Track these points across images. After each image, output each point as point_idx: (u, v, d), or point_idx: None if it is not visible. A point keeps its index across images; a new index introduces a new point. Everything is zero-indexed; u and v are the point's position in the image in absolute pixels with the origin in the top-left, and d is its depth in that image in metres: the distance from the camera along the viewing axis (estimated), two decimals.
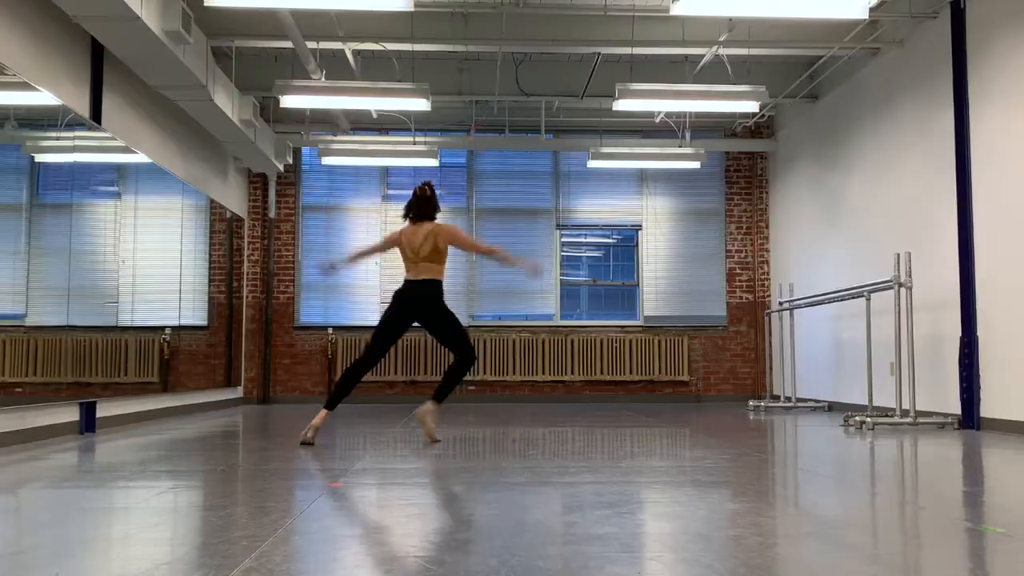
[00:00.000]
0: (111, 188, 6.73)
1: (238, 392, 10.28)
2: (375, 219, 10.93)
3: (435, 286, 5.41)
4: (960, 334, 6.65)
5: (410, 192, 5.84)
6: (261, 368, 10.60)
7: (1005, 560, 2.14)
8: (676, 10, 5.85)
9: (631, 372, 10.82)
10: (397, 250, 5.60)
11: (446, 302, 5.48)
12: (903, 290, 6.84)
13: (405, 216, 5.63)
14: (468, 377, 10.71)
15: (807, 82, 9.57)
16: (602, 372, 10.79)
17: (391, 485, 3.49)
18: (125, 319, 6.91)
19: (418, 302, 5.37)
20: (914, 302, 7.35)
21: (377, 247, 5.73)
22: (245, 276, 10.61)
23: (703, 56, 8.49)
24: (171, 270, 7.99)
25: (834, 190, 9.16)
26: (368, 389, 10.69)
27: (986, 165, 6.45)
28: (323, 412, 5.29)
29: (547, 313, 11.01)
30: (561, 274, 11.11)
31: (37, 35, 5.55)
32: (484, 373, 10.70)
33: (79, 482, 3.58)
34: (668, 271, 11.12)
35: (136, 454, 4.72)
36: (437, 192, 5.79)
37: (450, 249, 5.70)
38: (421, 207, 5.58)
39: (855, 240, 8.65)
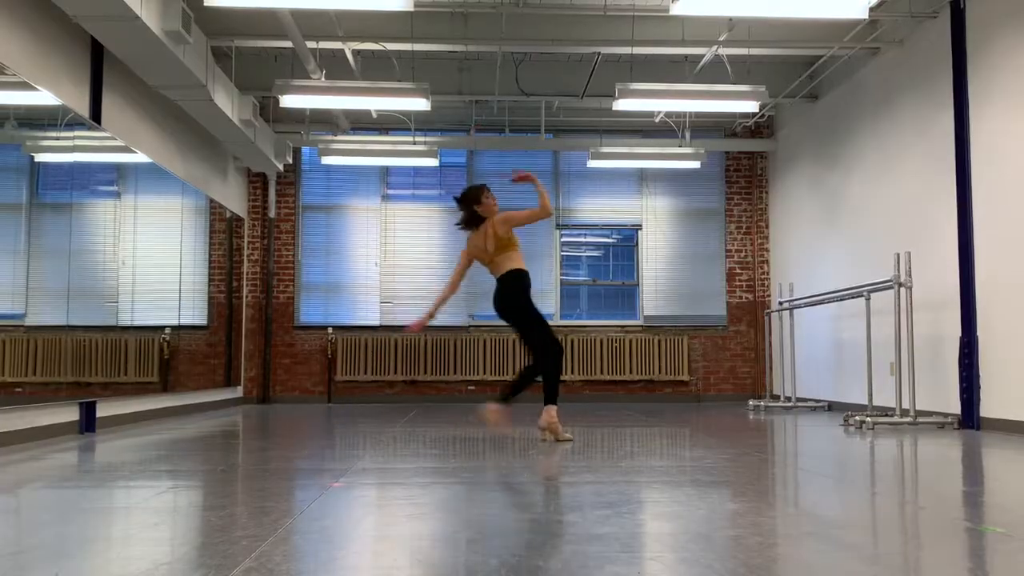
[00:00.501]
0: (111, 188, 6.74)
1: (238, 392, 10.28)
2: (375, 219, 10.93)
3: (512, 279, 5.51)
4: (960, 334, 6.65)
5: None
6: (261, 368, 10.60)
7: (1005, 560, 2.14)
8: (676, 10, 5.85)
9: (631, 372, 10.82)
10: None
11: (529, 294, 5.58)
12: (903, 290, 6.84)
13: (465, 228, 5.80)
14: (466, 378, 10.72)
15: (807, 82, 9.57)
16: (602, 372, 10.79)
17: (391, 485, 3.49)
18: (125, 319, 6.91)
19: (500, 301, 5.54)
20: (914, 302, 7.35)
21: (458, 273, 5.73)
22: (245, 276, 10.61)
23: (703, 56, 8.49)
24: (171, 270, 7.99)
25: (834, 190, 9.16)
26: (367, 389, 10.69)
27: (986, 165, 6.45)
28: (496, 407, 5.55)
29: (547, 313, 11.00)
30: (561, 274, 11.11)
31: (37, 35, 5.55)
32: (484, 373, 10.70)
33: (79, 482, 3.58)
34: (668, 271, 11.12)
35: (136, 454, 4.72)
36: (482, 191, 5.90)
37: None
38: (465, 214, 5.74)
39: (855, 240, 8.65)
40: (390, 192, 10.98)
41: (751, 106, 7.76)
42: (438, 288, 10.90)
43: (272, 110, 10.15)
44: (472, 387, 10.77)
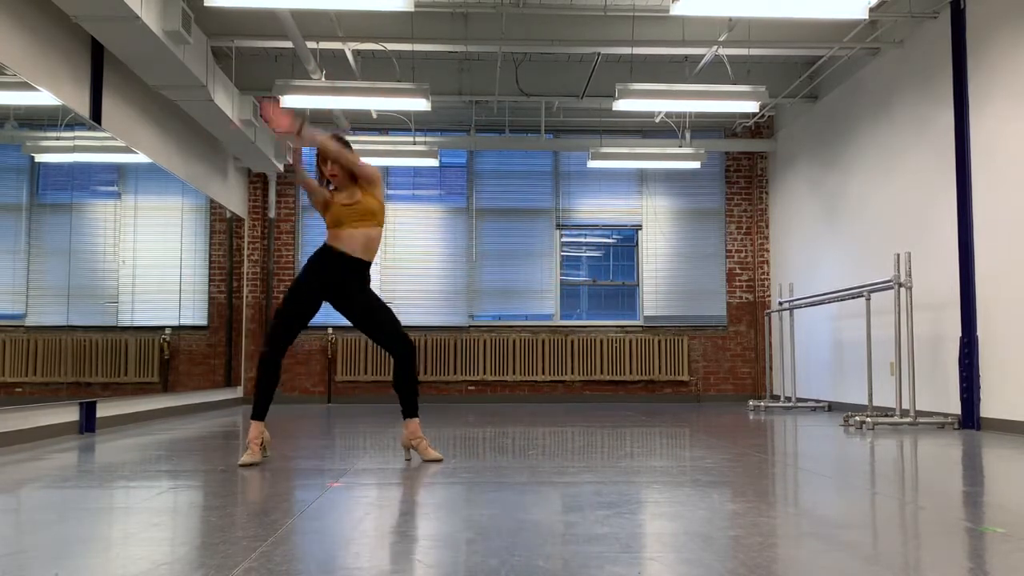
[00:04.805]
0: (111, 188, 6.73)
1: (238, 392, 10.27)
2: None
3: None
4: (960, 334, 6.64)
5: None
6: None
7: (1004, 560, 2.14)
8: (676, 10, 5.85)
9: (631, 372, 10.82)
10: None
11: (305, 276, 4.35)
12: (903, 290, 6.84)
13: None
14: (466, 378, 10.72)
15: (807, 82, 9.57)
16: (602, 372, 10.79)
17: (391, 485, 3.49)
18: (125, 319, 6.91)
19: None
20: (914, 302, 7.35)
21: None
22: (245, 276, 10.61)
23: (703, 56, 8.49)
24: (171, 270, 7.99)
25: (834, 190, 9.16)
26: (367, 389, 10.69)
27: (986, 165, 6.45)
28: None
29: (547, 313, 11.01)
30: (561, 274, 11.11)
31: (37, 35, 5.55)
32: (484, 373, 10.70)
33: (79, 482, 3.58)
34: (668, 271, 11.12)
35: (136, 454, 4.72)
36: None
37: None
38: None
39: (855, 240, 8.65)
40: (390, 192, 10.98)
41: (751, 106, 7.76)
42: (438, 288, 10.91)
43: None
44: (472, 387, 10.77)
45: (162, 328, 7.70)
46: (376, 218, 4.38)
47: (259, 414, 4.25)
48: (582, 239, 11.26)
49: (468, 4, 7.73)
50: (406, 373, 4.33)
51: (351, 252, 4.28)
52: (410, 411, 4.36)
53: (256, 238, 10.73)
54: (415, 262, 10.92)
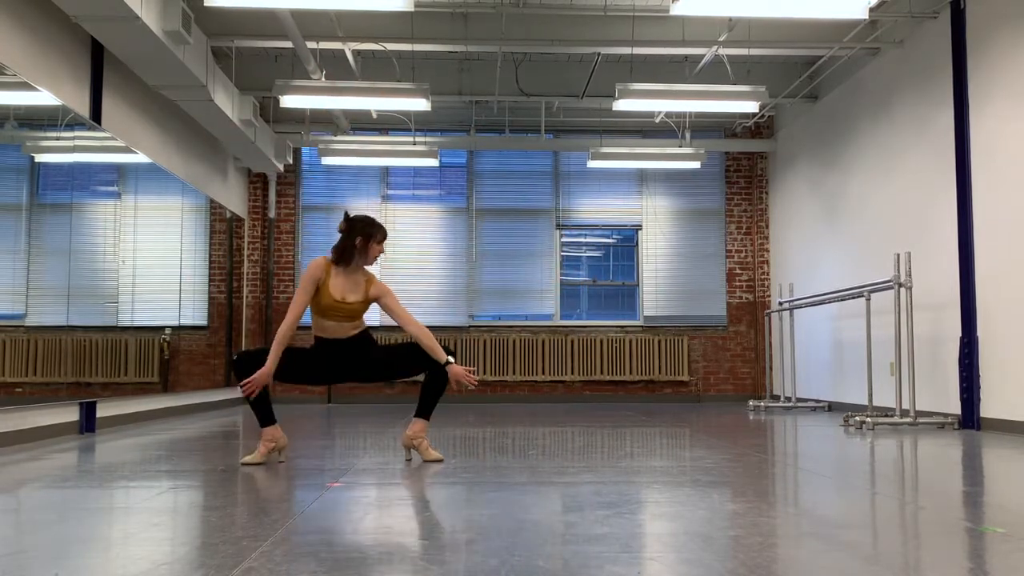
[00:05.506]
0: (111, 188, 6.73)
1: (238, 392, 10.26)
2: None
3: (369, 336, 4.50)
4: (960, 334, 6.64)
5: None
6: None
7: (1004, 560, 2.14)
8: (676, 10, 5.85)
9: (631, 372, 10.82)
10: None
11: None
12: (903, 290, 6.84)
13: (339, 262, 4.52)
14: None
15: (807, 82, 9.57)
16: (602, 372, 10.79)
17: (391, 485, 3.49)
18: (125, 319, 6.91)
19: (362, 355, 4.47)
20: (914, 302, 7.35)
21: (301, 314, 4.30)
22: (245, 276, 10.61)
23: (703, 56, 8.49)
24: (171, 270, 7.99)
25: (834, 190, 9.16)
26: (367, 389, 10.69)
27: (986, 165, 6.45)
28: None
29: (547, 313, 11.01)
30: (561, 274, 11.11)
31: (37, 35, 5.55)
32: (484, 373, 10.70)
33: (79, 482, 3.58)
34: (668, 271, 11.12)
35: (136, 454, 4.72)
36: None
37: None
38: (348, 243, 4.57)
39: (855, 240, 8.65)
40: (390, 192, 10.98)
41: (751, 106, 7.76)
42: (438, 288, 10.91)
43: (272, 110, 10.15)
44: (472, 387, 10.75)
45: (162, 328, 7.70)
46: (359, 319, 4.44)
47: (266, 420, 4.14)
48: (582, 239, 11.26)
49: (468, 4, 7.72)
50: (441, 379, 4.41)
51: (334, 336, 4.34)
52: (423, 411, 4.42)
53: (256, 238, 10.73)
54: (415, 262, 10.92)
